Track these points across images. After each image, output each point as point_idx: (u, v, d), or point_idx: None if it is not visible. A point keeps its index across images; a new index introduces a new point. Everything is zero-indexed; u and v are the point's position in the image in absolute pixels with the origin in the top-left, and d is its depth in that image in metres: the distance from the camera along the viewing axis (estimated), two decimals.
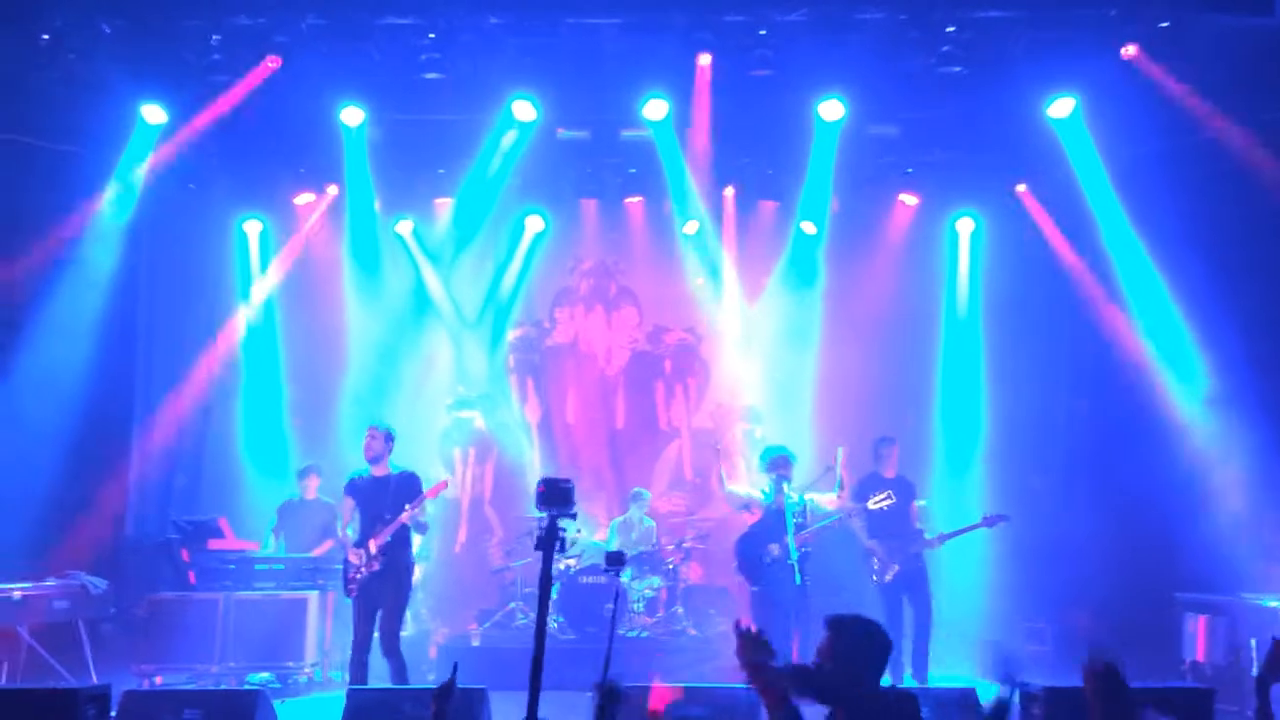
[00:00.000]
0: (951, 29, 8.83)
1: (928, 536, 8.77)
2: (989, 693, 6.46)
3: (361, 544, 7.76)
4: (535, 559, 10.47)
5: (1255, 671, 4.39)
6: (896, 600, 8.60)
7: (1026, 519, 10.52)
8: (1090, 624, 9.89)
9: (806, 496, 8.30)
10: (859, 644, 3.89)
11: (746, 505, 7.95)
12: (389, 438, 7.93)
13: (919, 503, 9.10)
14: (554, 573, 10.08)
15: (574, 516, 4.80)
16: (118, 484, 10.72)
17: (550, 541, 4.60)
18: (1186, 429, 9.61)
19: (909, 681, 8.37)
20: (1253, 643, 7.81)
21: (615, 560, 5.70)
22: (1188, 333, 9.71)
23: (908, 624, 8.61)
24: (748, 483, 8.88)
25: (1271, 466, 8.87)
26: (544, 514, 4.52)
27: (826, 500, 8.32)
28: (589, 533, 10.99)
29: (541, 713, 5.08)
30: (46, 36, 8.93)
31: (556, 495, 4.68)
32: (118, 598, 9.35)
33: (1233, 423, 9.25)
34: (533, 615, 10.25)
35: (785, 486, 8.14)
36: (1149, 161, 9.64)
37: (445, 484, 8.12)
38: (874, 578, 8.68)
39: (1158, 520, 9.64)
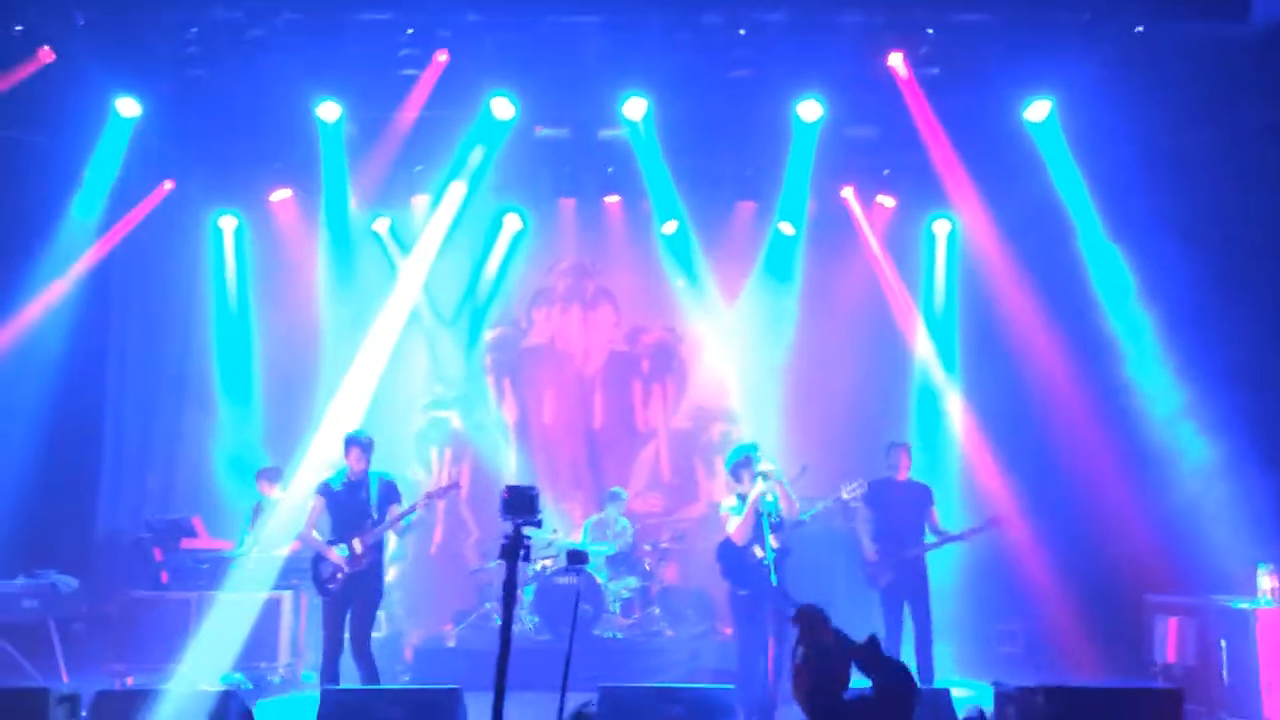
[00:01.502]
0: (929, 31, 8.89)
1: (927, 540, 8.49)
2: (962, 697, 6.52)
3: (344, 544, 7.69)
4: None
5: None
6: (896, 607, 8.30)
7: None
8: (1061, 625, 9.96)
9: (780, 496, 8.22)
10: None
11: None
12: (369, 446, 7.89)
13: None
14: (529, 573, 10.18)
15: (539, 524, 4.76)
16: (89, 482, 10.64)
17: (515, 550, 4.56)
18: (1159, 431, 9.69)
19: None
20: (1222, 644, 7.88)
21: (577, 559, 5.67)
22: (1161, 335, 9.79)
23: (908, 631, 8.33)
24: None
25: (1242, 469, 8.95)
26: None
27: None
28: (564, 532, 10.97)
29: (516, 714, 5.07)
30: (20, 28, 8.84)
31: (521, 503, 4.64)
32: (89, 597, 9.27)
33: (1205, 425, 9.34)
34: None
35: (759, 481, 7.99)
36: (1124, 164, 9.71)
37: (456, 485, 8.13)
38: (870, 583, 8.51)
39: (1129, 522, 9.74)
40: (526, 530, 4.68)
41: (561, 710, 4.79)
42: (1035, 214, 10.73)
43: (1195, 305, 9.44)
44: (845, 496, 8.07)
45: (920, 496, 8.60)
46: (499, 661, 4.41)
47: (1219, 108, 9.06)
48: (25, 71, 9.06)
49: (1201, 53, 8.80)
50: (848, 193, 11.66)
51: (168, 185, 11.01)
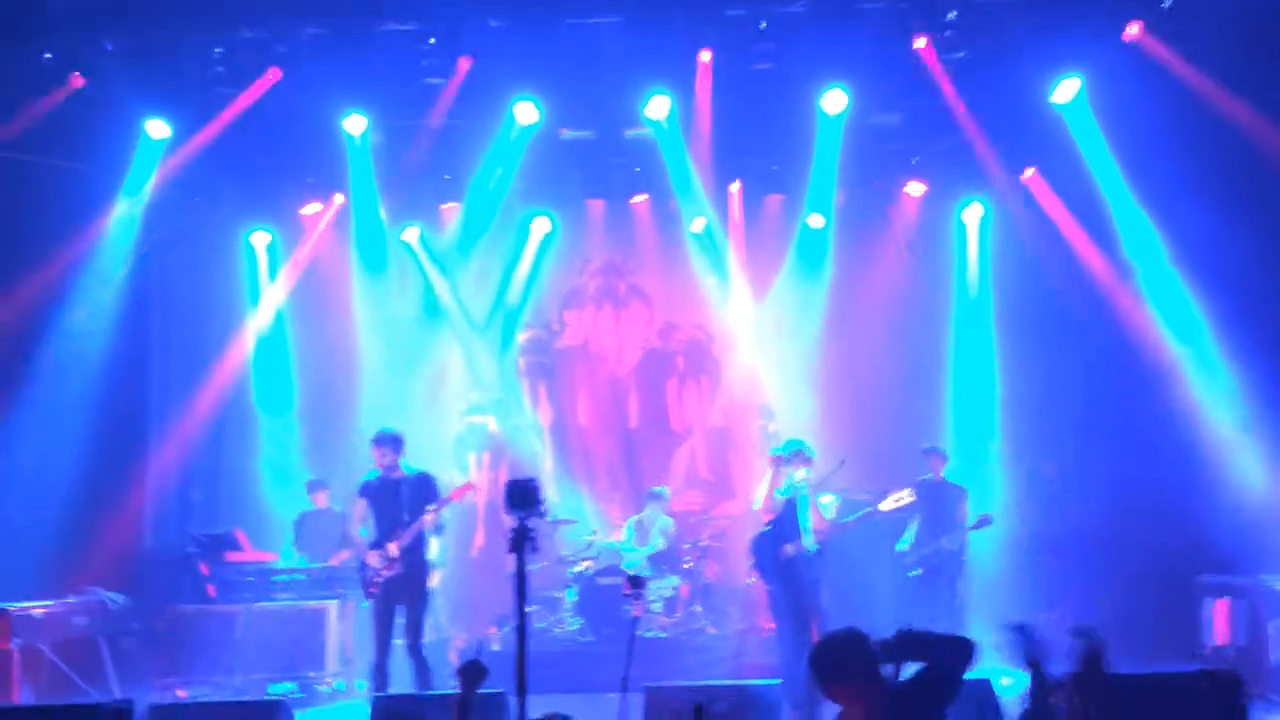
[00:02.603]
0: (953, 14, 8.81)
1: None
2: (1007, 683, 6.45)
3: (379, 545, 7.75)
4: (552, 562, 10.54)
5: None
6: (921, 599, 8.96)
7: (1041, 507, 10.51)
8: (1109, 610, 9.83)
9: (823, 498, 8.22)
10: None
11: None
12: (396, 442, 7.90)
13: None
14: (572, 575, 10.20)
15: (543, 515, 4.78)
16: (134, 499, 10.76)
17: (521, 543, 4.58)
18: (1203, 411, 9.54)
19: None
20: (1273, 624, 7.76)
21: (636, 584, 5.70)
22: (1200, 314, 9.64)
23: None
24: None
25: None
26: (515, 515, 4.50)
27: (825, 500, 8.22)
28: (604, 533, 10.98)
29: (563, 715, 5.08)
30: (49, 55, 8.98)
31: (523, 496, 4.65)
32: (138, 613, 9.39)
33: (1250, 404, 9.18)
34: (552, 618, 10.30)
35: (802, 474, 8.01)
36: (1155, 141, 9.57)
37: (470, 486, 8.12)
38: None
39: (1175, 504, 9.60)
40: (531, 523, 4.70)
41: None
42: (1068, 194, 10.61)
43: (1237, 281, 9.28)
44: (885, 509, 8.07)
45: (947, 495, 9.44)
46: (517, 656, 4.43)
47: (1250, 79, 8.89)
48: (57, 98, 9.20)
49: (1232, 24, 8.64)
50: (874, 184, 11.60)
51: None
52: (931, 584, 9.21)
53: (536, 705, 4.86)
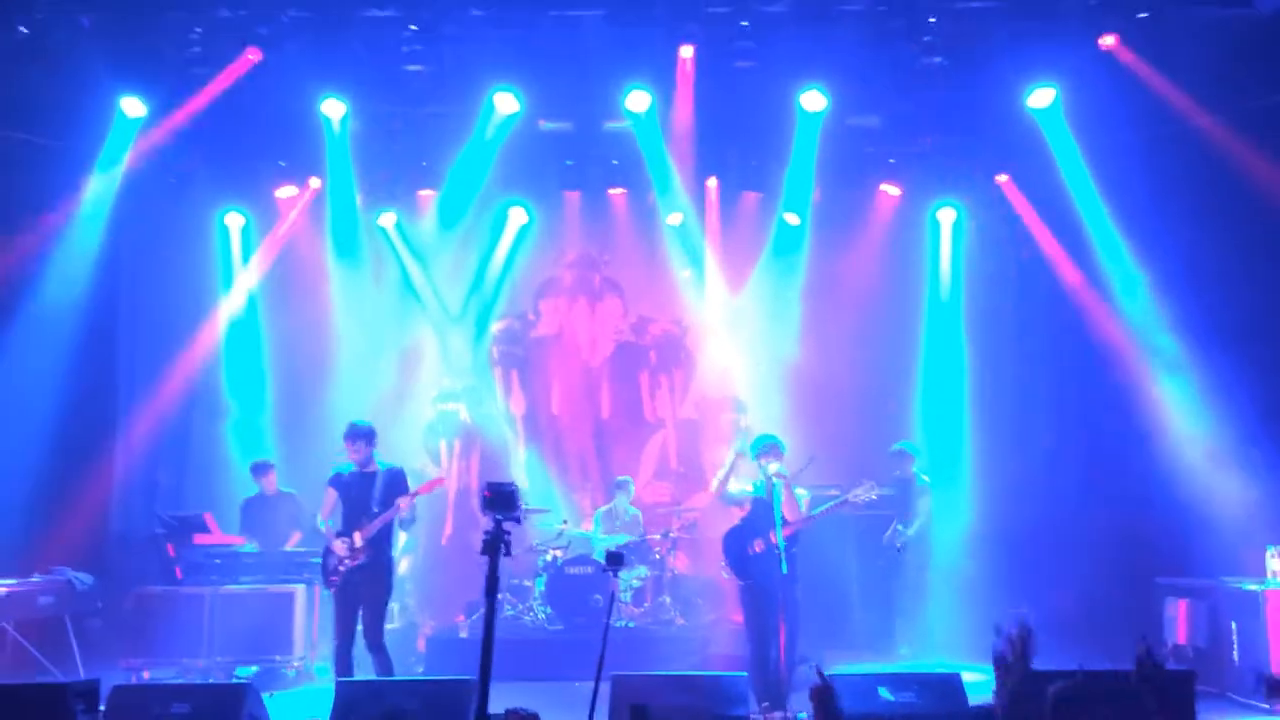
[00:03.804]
0: (933, 20, 8.89)
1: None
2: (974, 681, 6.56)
3: (346, 535, 7.76)
4: (521, 549, 10.55)
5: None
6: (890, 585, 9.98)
7: (1009, 504, 10.65)
8: (1072, 608, 9.99)
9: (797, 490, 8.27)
10: None
11: (739, 502, 7.95)
12: (369, 437, 7.91)
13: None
14: (540, 564, 10.24)
15: (519, 520, 4.80)
16: (102, 479, 10.68)
17: (496, 546, 4.59)
18: (1167, 415, 9.70)
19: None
20: (1233, 626, 7.92)
21: (614, 560, 5.74)
22: (1167, 320, 9.79)
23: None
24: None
25: (1251, 452, 8.97)
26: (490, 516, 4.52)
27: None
28: (574, 523, 11.02)
29: (532, 703, 5.13)
30: (25, 29, 8.88)
31: (501, 499, 4.66)
32: (104, 593, 9.33)
33: (1213, 408, 9.34)
34: (520, 605, 10.33)
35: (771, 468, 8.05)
36: (1128, 151, 9.72)
37: (441, 481, 8.10)
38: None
39: (1139, 505, 9.77)
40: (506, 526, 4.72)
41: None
42: (1040, 199, 10.74)
43: (1202, 292, 9.44)
44: (853, 500, 8.13)
45: (918, 491, 10.03)
46: (483, 652, 4.45)
47: (1222, 92, 9.04)
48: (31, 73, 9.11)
49: (1206, 38, 8.78)
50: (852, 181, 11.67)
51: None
52: (899, 572, 9.88)
53: (505, 693, 4.89)
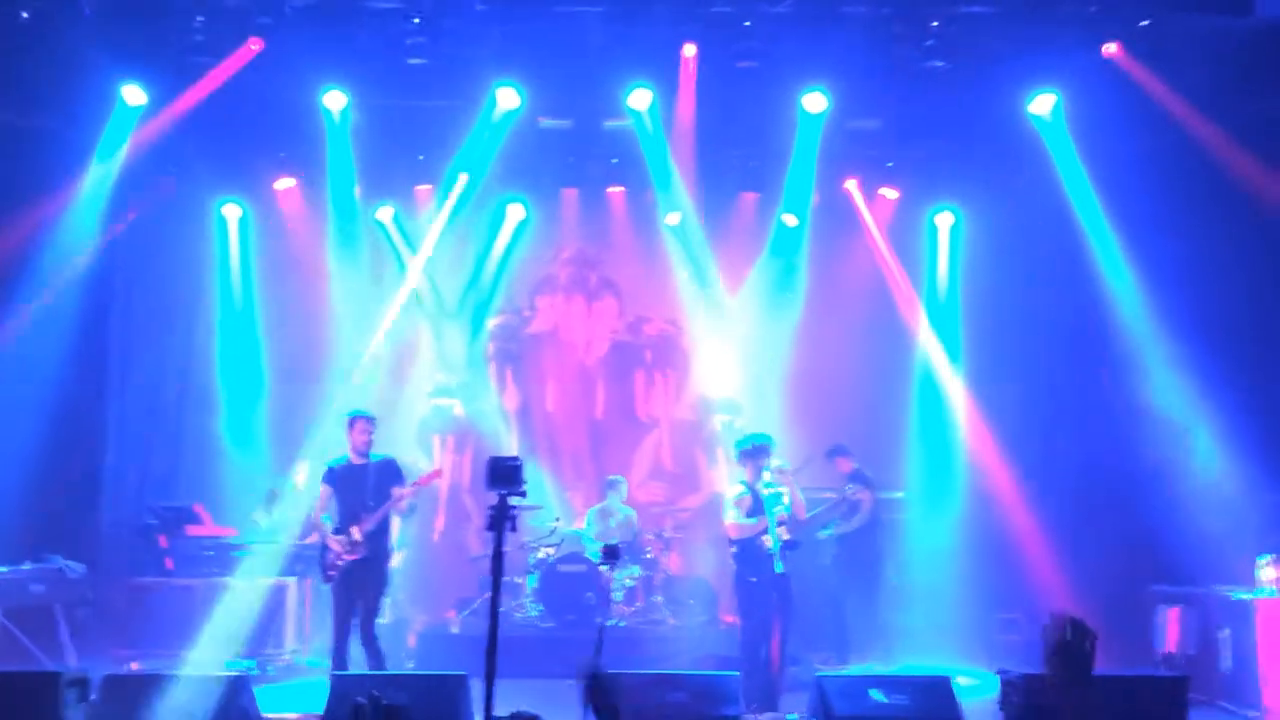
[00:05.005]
0: (935, 24, 8.90)
1: None
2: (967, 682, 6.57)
3: (343, 530, 7.74)
4: (513, 546, 10.55)
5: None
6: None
7: (1002, 510, 10.67)
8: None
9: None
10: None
11: (753, 526, 7.87)
12: (371, 423, 7.93)
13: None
14: (531, 562, 10.23)
15: (523, 494, 4.81)
16: (94, 468, 10.65)
17: (501, 520, 4.62)
18: (1162, 421, 9.71)
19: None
20: (1224, 634, 7.94)
21: (611, 554, 5.74)
22: (1164, 328, 9.81)
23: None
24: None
25: (1244, 459, 8.99)
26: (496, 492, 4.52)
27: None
28: (567, 521, 11.01)
29: (522, 701, 5.11)
30: (26, 14, 8.83)
31: (504, 473, 4.69)
32: (96, 583, 9.31)
33: (1207, 415, 9.36)
34: (512, 603, 10.32)
35: (765, 474, 8.04)
36: (1128, 158, 9.74)
37: (438, 474, 8.09)
38: None
39: (1132, 512, 9.79)
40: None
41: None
42: (1039, 207, 10.76)
43: (1196, 298, 9.46)
44: (849, 495, 8.14)
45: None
46: (489, 638, 4.46)
47: (1222, 101, 9.06)
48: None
49: (1207, 46, 8.81)
50: (851, 184, 11.67)
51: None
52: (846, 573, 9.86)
53: (497, 690, 4.88)
